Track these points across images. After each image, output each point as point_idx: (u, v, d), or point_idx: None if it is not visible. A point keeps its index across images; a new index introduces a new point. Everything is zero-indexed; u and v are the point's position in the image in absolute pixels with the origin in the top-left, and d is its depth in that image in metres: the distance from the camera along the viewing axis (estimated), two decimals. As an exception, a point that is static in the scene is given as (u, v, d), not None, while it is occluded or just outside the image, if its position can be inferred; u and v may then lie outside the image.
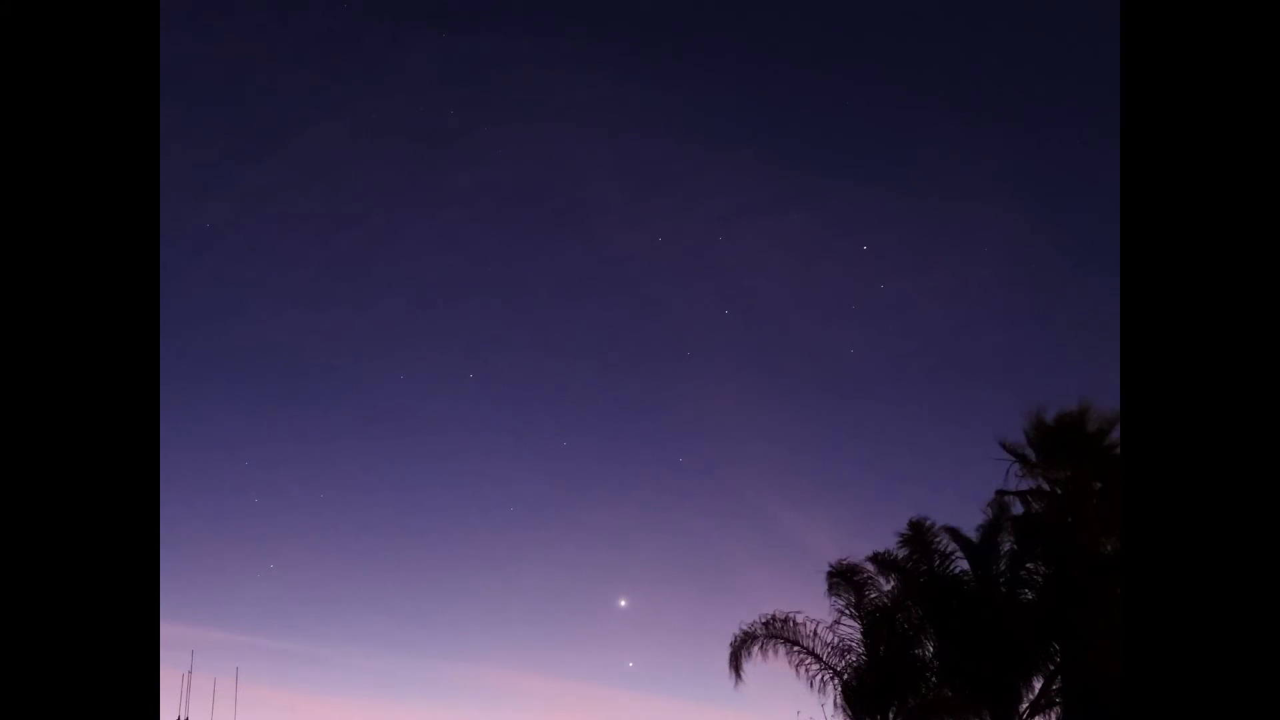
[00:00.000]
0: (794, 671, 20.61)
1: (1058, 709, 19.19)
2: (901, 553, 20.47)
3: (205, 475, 35.08)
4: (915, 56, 31.15)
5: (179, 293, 32.04)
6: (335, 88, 33.00)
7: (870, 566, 20.59)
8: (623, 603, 34.27)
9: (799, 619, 20.68)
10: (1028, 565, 19.79)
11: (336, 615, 36.24)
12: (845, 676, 20.33)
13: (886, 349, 33.61)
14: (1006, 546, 20.03)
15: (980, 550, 20.14)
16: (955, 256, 33.30)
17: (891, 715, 19.94)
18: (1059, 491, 19.89)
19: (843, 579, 20.53)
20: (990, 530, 20.16)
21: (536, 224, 35.01)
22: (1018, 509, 20.36)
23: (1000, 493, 20.23)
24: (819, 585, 20.60)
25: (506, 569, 36.48)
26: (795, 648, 20.59)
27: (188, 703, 22.96)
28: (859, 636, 20.49)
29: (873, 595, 20.54)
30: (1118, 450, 19.15)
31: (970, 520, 20.47)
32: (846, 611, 20.54)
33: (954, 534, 20.39)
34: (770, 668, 20.69)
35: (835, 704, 20.29)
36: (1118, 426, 19.32)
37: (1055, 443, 19.92)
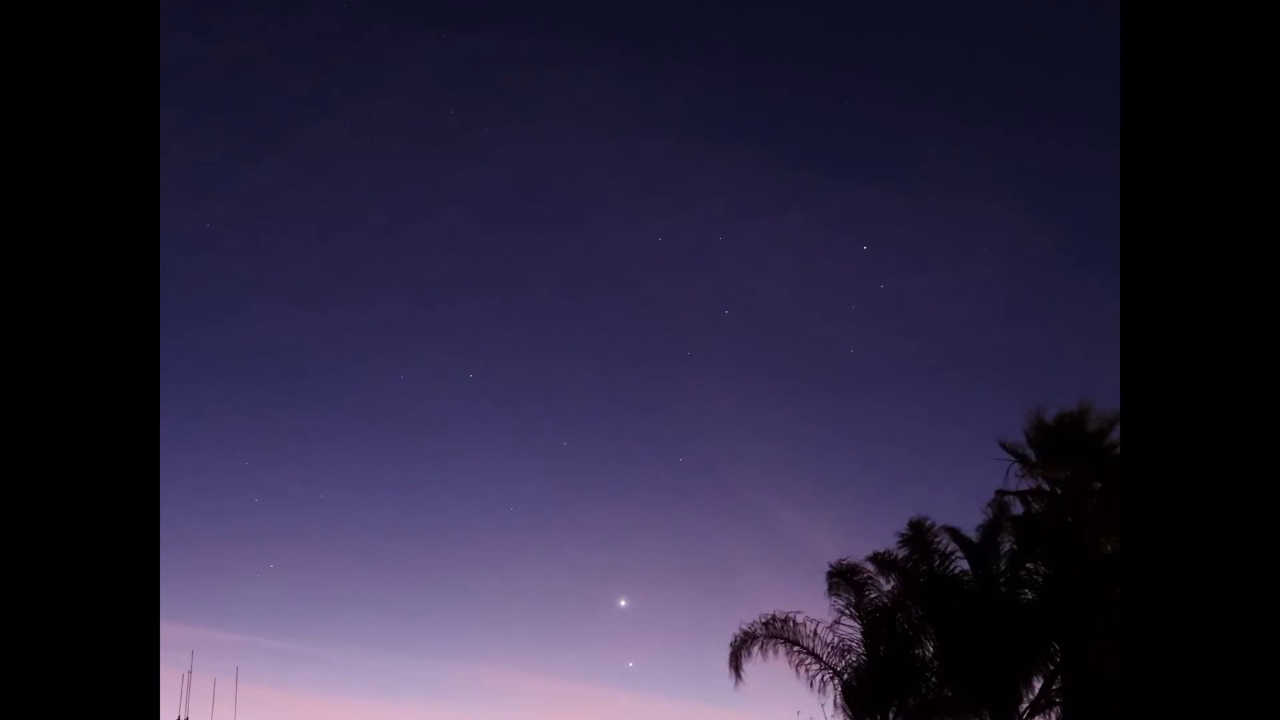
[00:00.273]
0: (794, 671, 20.63)
1: (1058, 709, 19.19)
2: (901, 553, 20.47)
3: (205, 475, 35.11)
4: (915, 56, 31.18)
5: (179, 293, 32.06)
6: (335, 88, 33.03)
7: (870, 566, 20.59)
8: (623, 603, 34.29)
9: (799, 619, 20.70)
10: (1028, 565, 19.79)
11: (336, 615, 36.27)
12: (845, 676, 20.33)
13: (886, 349, 33.63)
14: (1006, 546, 20.03)
15: (980, 550, 20.14)
16: (955, 256, 33.32)
17: (891, 715, 19.94)
18: (1059, 491, 19.89)
19: (843, 579, 20.53)
20: (990, 530, 20.16)
21: (536, 224, 35.03)
22: (1018, 509, 20.37)
23: (1000, 493, 20.25)
24: (819, 585, 20.62)
25: (506, 569, 36.50)
26: (795, 648, 20.60)
27: (188, 703, 22.97)
28: (859, 636, 20.49)
29: (873, 595, 20.54)
30: (1118, 450, 19.15)
31: (970, 520, 20.49)
32: (846, 611, 20.55)
33: (954, 534, 20.39)
34: (770, 668, 20.71)
35: (835, 704, 20.31)
36: (1118, 426, 19.33)
37: (1055, 443, 19.92)
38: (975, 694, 19.18)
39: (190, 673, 23.24)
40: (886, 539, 20.82)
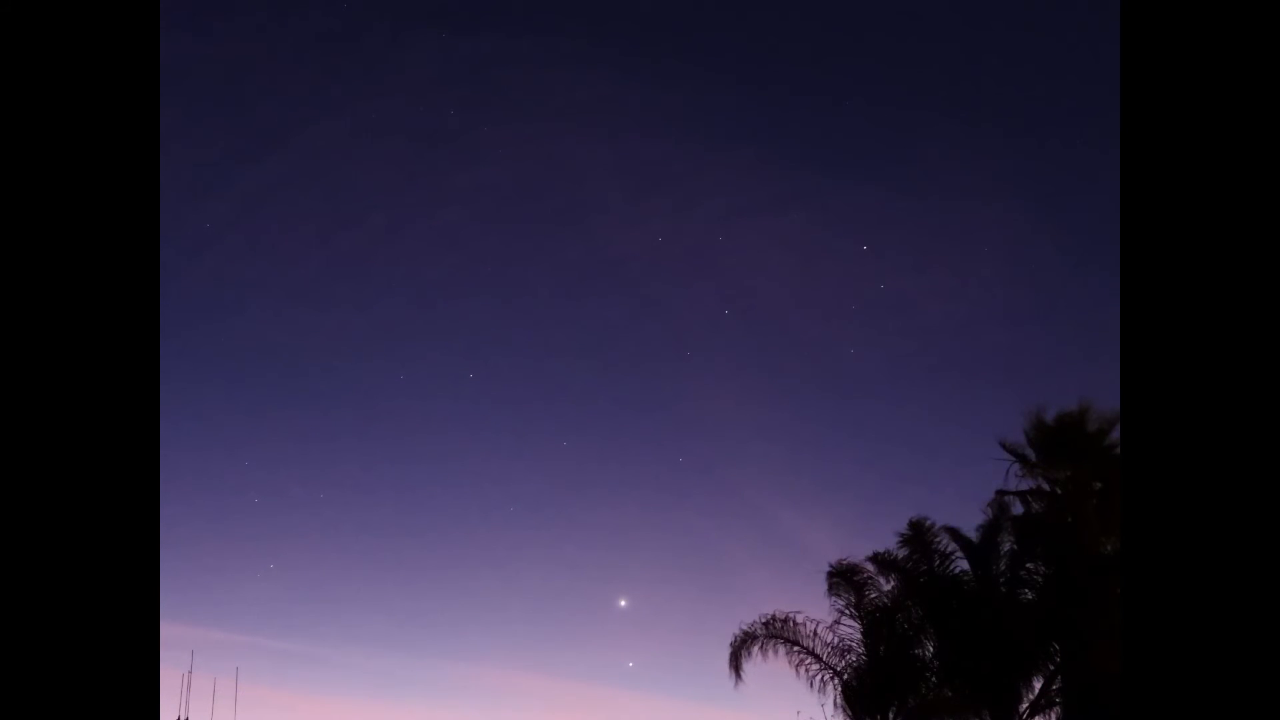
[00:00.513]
0: (794, 671, 20.63)
1: (1058, 709, 19.19)
2: (901, 553, 20.47)
3: (205, 475, 35.11)
4: (915, 56, 31.19)
5: (179, 293, 32.07)
6: (335, 88, 33.03)
7: (870, 566, 20.59)
8: (623, 603, 34.29)
9: (799, 619, 20.69)
10: (1028, 565, 19.79)
11: (336, 615, 36.27)
12: (845, 676, 20.32)
13: (886, 349, 33.64)
14: (1006, 546, 20.03)
15: (980, 550, 20.14)
16: (955, 256, 33.32)
17: (891, 715, 19.94)
18: (1059, 491, 19.89)
19: (843, 579, 20.53)
20: (990, 530, 20.16)
21: (536, 224, 35.04)
22: (1018, 509, 20.37)
23: (1000, 493, 20.25)
24: (819, 585, 20.62)
25: (506, 569, 36.50)
26: (795, 648, 20.59)
27: (188, 703, 22.98)
28: (859, 636, 20.49)
29: (873, 595, 20.54)
30: (1118, 450, 19.15)
31: (970, 520, 20.49)
32: (846, 611, 20.55)
33: (954, 534, 20.39)
34: (770, 668, 20.71)
35: (835, 704, 20.31)
36: (1118, 426, 19.33)
37: (1055, 443, 19.92)
38: (975, 694, 19.18)
39: (190, 673, 23.26)
40: (886, 539, 20.84)
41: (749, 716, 36.99)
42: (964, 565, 20.28)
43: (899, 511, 27.62)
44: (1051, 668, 19.18)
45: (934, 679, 20.07)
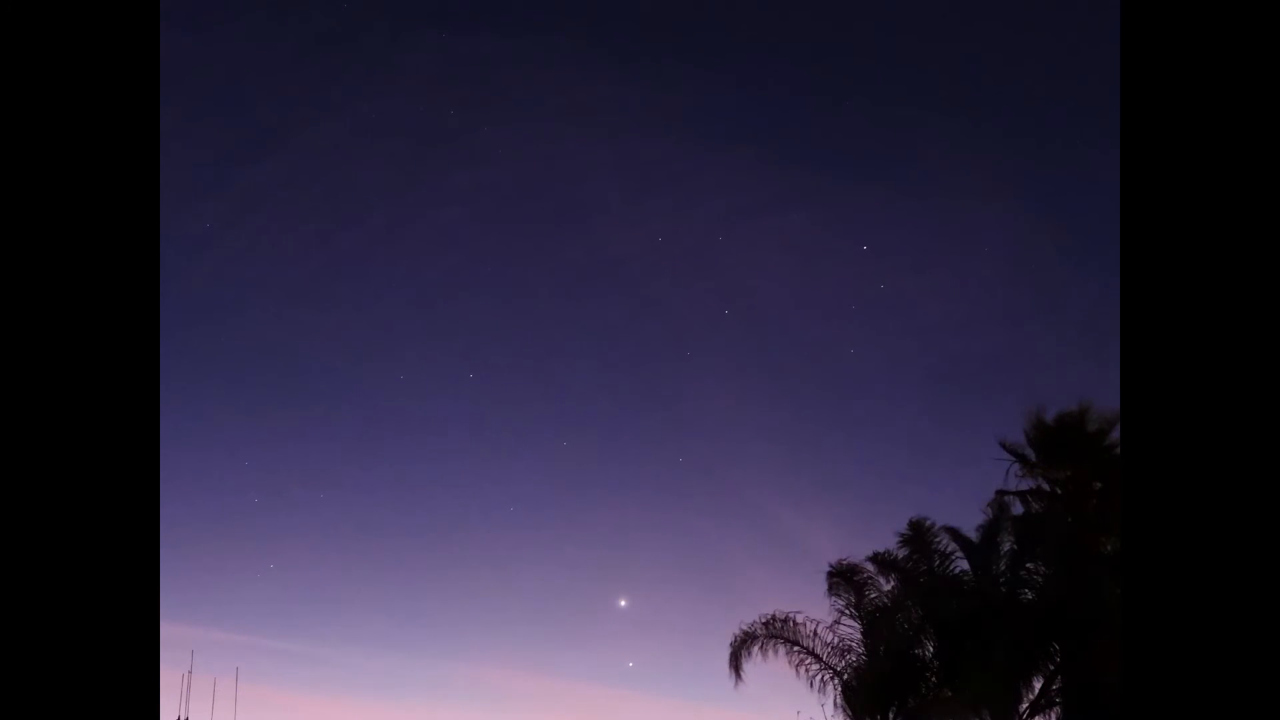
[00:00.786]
0: (794, 671, 20.64)
1: (1058, 709, 19.19)
2: (901, 553, 20.48)
3: (205, 475, 35.15)
4: (915, 56, 31.20)
5: (179, 293, 32.10)
6: (335, 88, 33.07)
7: (870, 566, 20.60)
8: (623, 603, 34.32)
9: (799, 619, 20.71)
10: (1028, 565, 19.79)
11: (336, 615, 36.28)
12: (845, 676, 20.32)
13: (886, 349, 33.65)
14: (1006, 546, 20.04)
15: (980, 550, 20.15)
16: (955, 256, 33.35)
17: (891, 715, 19.94)
18: (1059, 491, 19.89)
19: (843, 579, 20.54)
20: (990, 530, 20.17)
21: (536, 224, 35.06)
22: (1018, 509, 20.38)
23: (1000, 493, 20.26)
24: (819, 585, 20.63)
25: (506, 569, 36.53)
26: (795, 648, 20.60)
27: (188, 703, 23.01)
28: (859, 636, 20.49)
29: (873, 595, 20.55)
30: (1118, 450, 19.14)
31: (970, 520, 20.50)
32: (846, 611, 20.55)
33: (954, 534, 20.40)
34: (770, 668, 20.72)
35: (835, 704, 20.31)
36: (1118, 426, 19.33)
37: (1055, 443, 19.92)
38: (975, 694, 19.17)
39: (190, 673, 23.30)
40: (886, 539, 20.87)
41: (749, 716, 36.99)
42: (964, 565, 20.30)
43: (899, 511, 27.59)
44: (1051, 668, 19.18)
45: (934, 679, 20.06)
